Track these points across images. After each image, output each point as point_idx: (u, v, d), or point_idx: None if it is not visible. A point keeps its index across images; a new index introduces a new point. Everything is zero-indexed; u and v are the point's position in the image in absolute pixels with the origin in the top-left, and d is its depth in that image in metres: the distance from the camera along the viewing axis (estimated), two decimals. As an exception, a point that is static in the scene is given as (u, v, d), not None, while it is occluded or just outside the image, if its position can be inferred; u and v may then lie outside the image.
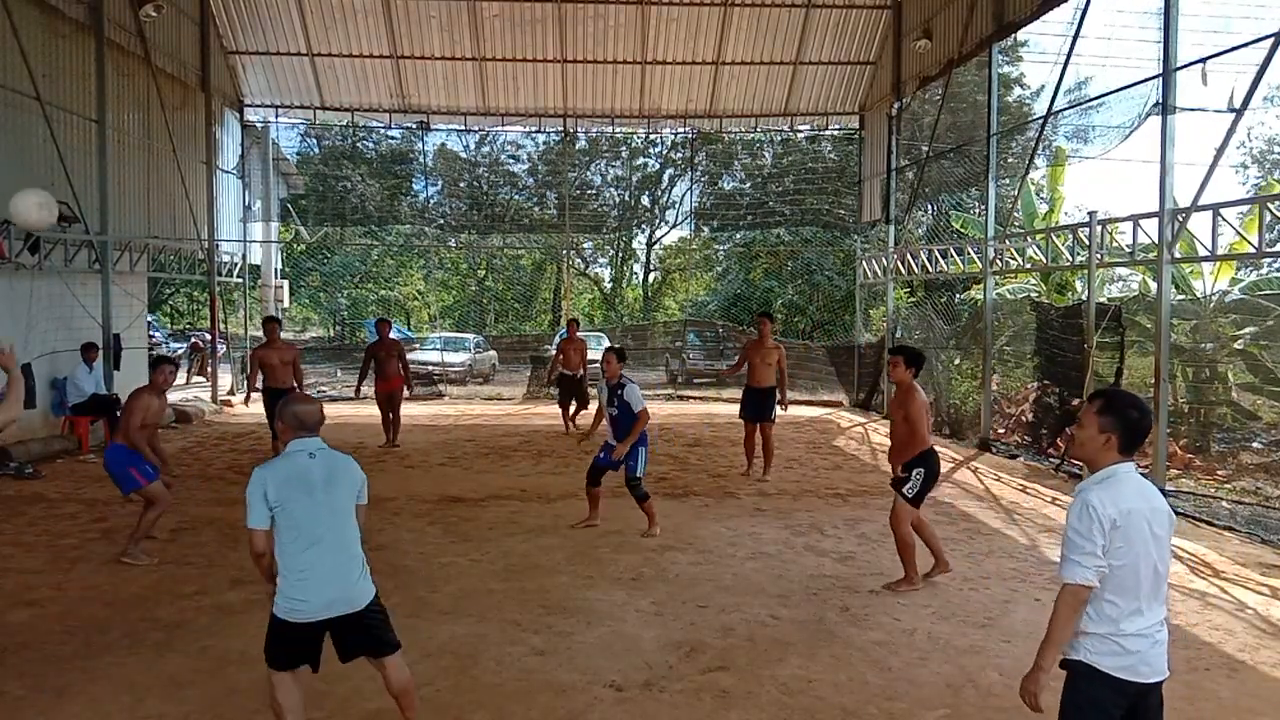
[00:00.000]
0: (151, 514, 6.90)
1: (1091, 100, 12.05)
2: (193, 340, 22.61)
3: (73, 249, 12.49)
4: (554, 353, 15.33)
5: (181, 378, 21.21)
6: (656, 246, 35.89)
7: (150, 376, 7.21)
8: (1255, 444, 12.14)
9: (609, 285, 36.77)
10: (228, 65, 18.42)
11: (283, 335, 12.70)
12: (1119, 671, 2.87)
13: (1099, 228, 10.56)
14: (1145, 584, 2.89)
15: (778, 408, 10.51)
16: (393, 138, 22.98)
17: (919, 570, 6.43)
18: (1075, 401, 11.27)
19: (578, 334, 14.52)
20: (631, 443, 7.55)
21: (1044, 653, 2.91)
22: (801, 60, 19.11)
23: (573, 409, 14.27)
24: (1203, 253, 9.61)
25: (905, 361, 6.34)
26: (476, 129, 21.66)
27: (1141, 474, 3.05)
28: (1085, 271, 11.15)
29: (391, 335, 12.78)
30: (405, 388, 12.73)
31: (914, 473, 6.30)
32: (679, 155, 27.39)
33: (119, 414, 7.78)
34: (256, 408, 14.82)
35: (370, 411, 13.55)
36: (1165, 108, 9.32)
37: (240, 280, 19.09)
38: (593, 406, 14.15)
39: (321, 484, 3.70)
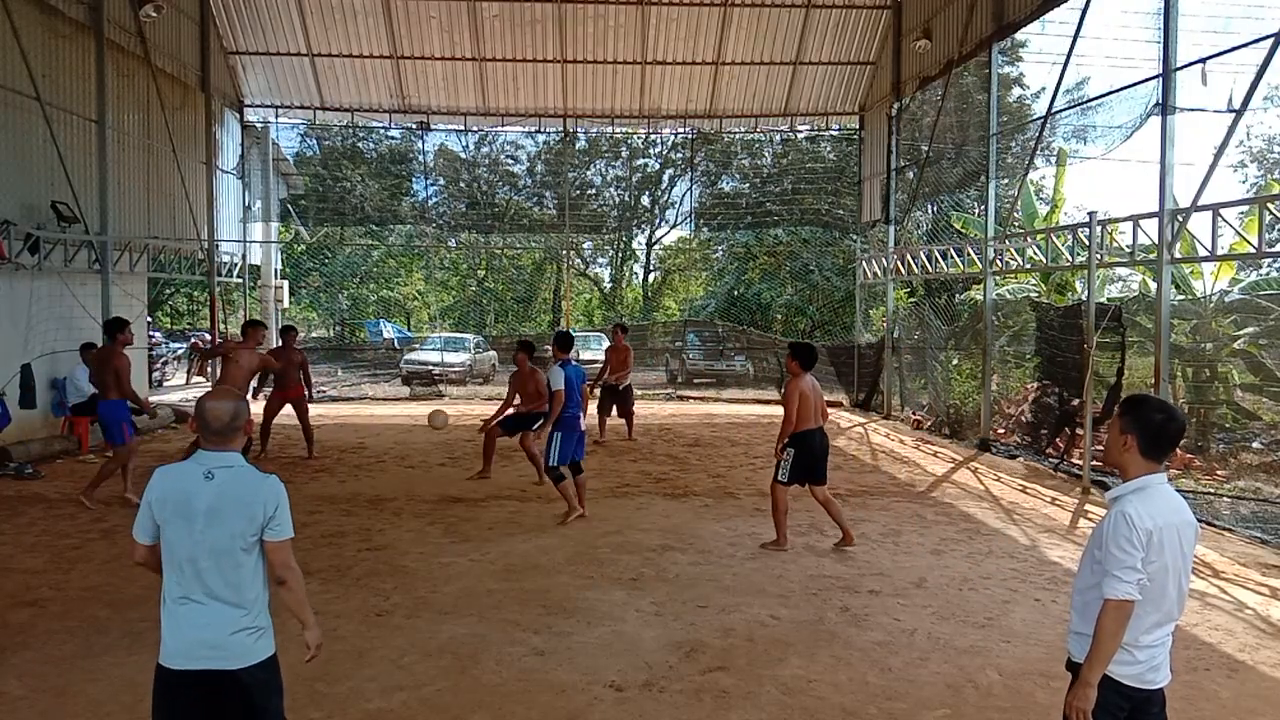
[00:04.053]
0: (112, 464, 8.62)
1: (1092, 100, 12.05)
2: (193, 340, 22.62)
3: (73, 249, 12.49)
4: (602, 361, 14.30)
5: (181, 377, 21.24)
6: (656, 246, 35.90)
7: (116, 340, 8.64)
8: (1255, 444, 12.13)
9: (609, 285, 36.75)
10: (228, 65, 18.42)
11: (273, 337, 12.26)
12: (1127, 679, 2.89)
13: (1099, 228, 10.56)
14: (1170, 597, 2.89)
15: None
16: (393, 138, 23.02)
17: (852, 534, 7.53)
18: (1075, 402, 11.27)
19: (624, 341, 13.44)
20: (547, 419, 8.08)
21: (1091, 668, 2.85)
22: (801, 60, 19.12)
23: (613, 413, 13.38)
24: (1203, 253, 9.61)
25: (791, 354, 7.55)
26: (476, 129, 21.67)
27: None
28: (1085, 272, 11.14)
29: (296, 345, 11.82)
30: (308, 395, 11.88)
31: (786, 452, 7.35)
32: (679, 155, 27.39)
33: (117, 375, 8.47)
34: (255, 407, 14.82)
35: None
36: (1165, 108, 9.33)
37: (240, 280, 19.09)
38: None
39: (203, 515, 2.93)
